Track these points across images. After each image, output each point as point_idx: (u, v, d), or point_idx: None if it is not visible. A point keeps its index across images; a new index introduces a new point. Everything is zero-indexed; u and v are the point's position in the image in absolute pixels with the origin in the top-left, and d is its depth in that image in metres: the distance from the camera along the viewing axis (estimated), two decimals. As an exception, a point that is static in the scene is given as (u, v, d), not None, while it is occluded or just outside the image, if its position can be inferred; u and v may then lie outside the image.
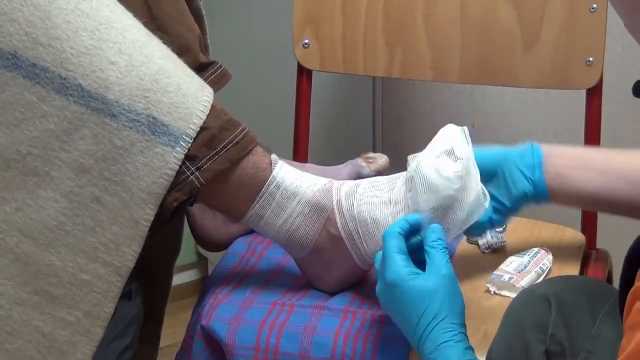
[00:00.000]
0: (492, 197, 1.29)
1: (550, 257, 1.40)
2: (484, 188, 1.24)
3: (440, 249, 1.16)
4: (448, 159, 1.20)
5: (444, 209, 1.20)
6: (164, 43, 1.22)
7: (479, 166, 1.24)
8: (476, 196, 1.22)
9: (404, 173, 1.27)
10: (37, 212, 1.14)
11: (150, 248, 1.20)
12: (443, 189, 1.19)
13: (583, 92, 1.63)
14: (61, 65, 1.11)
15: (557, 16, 1.60)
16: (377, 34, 1.69)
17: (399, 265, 1.15)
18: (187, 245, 1.97)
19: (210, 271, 2.27)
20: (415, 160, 1.23)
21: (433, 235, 1.18)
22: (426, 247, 1.17)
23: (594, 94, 1.62)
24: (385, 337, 1.24)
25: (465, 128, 1.25)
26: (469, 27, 1.65)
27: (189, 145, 1.18)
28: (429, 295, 1.12)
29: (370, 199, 1.27)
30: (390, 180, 1.28)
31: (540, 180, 1.29)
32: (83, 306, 1.18)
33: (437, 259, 1.15)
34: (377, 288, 1.17)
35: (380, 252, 1.19)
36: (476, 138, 1.27)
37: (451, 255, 1.44)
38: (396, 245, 1.16)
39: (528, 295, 1.20)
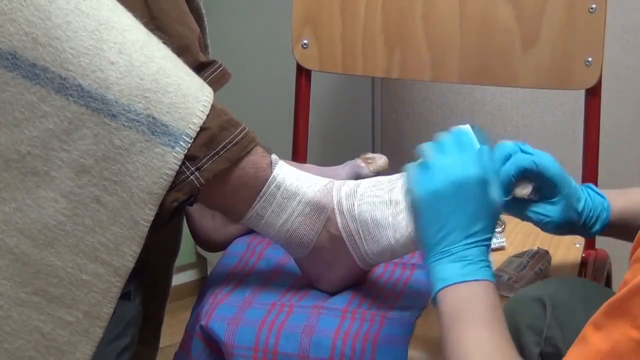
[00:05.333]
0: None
1: (549, 257, 1.40)
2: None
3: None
4: None
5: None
6: (164, 43, 1.22)
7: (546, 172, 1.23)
8: None
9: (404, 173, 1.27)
10: (36, 212, 1.14)
11: (149, 248, 1.20)
12: None
13: (582, 92, 1.63)
14: (61, 65, 1.11)
15: (556, 16, 1.60)
16: (376, 34, 1.69)
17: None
18: (186, 246, 1.97)
19: (209, 271, 2.27)
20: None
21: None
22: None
23: (593, 94, 1.62)
24: (384, 337, 1.24)
25: (469, 126, 1.24)
26: (468, 27, 1.65)
27: (189, 145, 1.18)
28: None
29: (370, 199, 1.27)
30: (391, 180, 1.28)
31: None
32: (82, 306, 1.18)
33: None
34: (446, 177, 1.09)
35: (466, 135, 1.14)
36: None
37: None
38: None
39: (522, 297, 1.20)
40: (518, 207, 1.26)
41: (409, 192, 1.11)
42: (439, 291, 1.06)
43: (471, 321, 1.03)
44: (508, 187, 1.22)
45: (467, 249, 1.07)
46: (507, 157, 1.22)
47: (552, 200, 1.24)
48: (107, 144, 1.14)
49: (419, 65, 1.69)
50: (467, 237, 1.07)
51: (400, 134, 2.19)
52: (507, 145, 1.23)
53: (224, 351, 1.28)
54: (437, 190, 1.08)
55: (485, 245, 1.08)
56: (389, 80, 2.14)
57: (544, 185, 1.23)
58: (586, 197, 1.26)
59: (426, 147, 1.13)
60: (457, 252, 1.06)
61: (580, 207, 1.25)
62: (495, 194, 1.09)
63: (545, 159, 1.23)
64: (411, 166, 1.13)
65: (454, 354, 1.01)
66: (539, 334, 1.15)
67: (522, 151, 1.23)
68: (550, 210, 1.24)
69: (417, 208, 1.10)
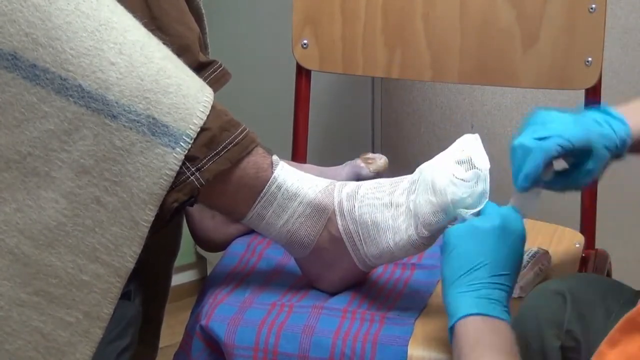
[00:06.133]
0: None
1: (549, 257, 1.40)
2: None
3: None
4: (460, 166, 1.20)
5: (445, 213, 1.20)
6: (164, 43, 1.22)
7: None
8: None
9: (407, 176, 1.27)
10: (37, 213, 1.14)
11: (149, 249, 1.20)
12: (448, 193, 1.19)
13: (582, 92, 1.63)
14: (61, 66, 1.11)
15: (556, 16, 1.60)
16: (376, 34, 1.69)
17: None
18: (186, 246, 1.97)
19: (209, 271, 2.27)
20: (425, 164, 1.23)
21: None
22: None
23: (593, 94, 1.62)
24: (384, 337, 1.24)
25: (477, 135, 1.25)
26: (468, 27, 1.65)
27: (189, 145, 1.18)
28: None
29: (371, 200, 1.27)
30: (393, 183, 1.28)
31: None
32: (83, 307, 1.18)
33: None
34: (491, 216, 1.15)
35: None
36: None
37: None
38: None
39: (543, 291, 1.21)
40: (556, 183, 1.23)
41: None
42: (460, 319, 1.09)
43: (489, 350, 1.06)
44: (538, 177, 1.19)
45: (492, 288, 1.10)
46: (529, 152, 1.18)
47: (586, 165, 1.20)
48: (108, 144, 1.14)
49: (419, 65, 1.69)
50: (493, 277, 1.11)
51: (400, 134, 2.18)
52: (524, 142, 1.18)
53: (224, 351, 1.28)
54: (477, 228, 1.13)
55: (507, 291, 1.12)
56: (389, 80, 2.14)
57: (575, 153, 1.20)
58: (612, 137, 1.21)
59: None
60: (482, 290, 1.10)
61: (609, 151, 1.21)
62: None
63: (568, 131, 1.18)
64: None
65: None
66: (560, 327, 1.15)
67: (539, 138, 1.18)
68: (587, 175, 1.21)
69: (449, 240, 1.14)
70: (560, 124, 1.18)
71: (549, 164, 1.17)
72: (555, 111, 1.21)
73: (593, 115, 1.22)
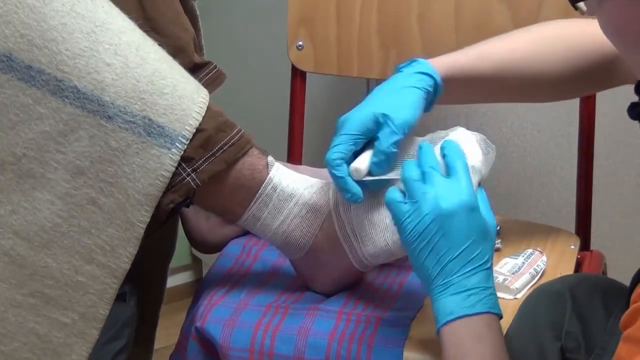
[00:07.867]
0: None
1: (544, 258, 1.40)
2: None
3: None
4: None
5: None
6: (159, 44, 1.22)
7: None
8: None
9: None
10: (32, 214, 1.14)
11: (144, 250, 1.20)
12: None
13: (578, 93, 1.63)
14: (57, 67, 1.11)
15: (551, 17, 1.59)
16: (372, 36, 1.69)
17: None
18: (181, 247, 1.97)
19: (204, 273, 2.27)
20: None
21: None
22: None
23: (588, 94, 1.62)
24: (379, 338, 1.24)
25: (461, 130, 1.25)
26: (464, 28, 1.65)
27: (185, 146, 1.18)
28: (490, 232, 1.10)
29: (367, 200, 1.27)
30: (388, 181, 1.28)
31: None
32: (78, 308, 1.18)
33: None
34: (425, 215, 1.08)
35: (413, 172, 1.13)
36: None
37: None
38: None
39: (542, 292, 1.21)
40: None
41: (398, 230, 1.11)
42: (442, 326, 1.06)
43: None
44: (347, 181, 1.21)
45: (468, 277, 1.06)
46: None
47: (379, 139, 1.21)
48: (103, 145, 1.14)
49: (414, 66, 1.69)
50: (465, 265, 1.07)
51: (395, 135, 2.18)
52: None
53: (219, 353, 1.27)
54: (427, 224, 1.08)
55: (486, 269, 1.08)
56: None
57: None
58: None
59: (409, 178, 1.12)
60: (457, 282, 1.06)
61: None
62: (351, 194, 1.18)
63: (349, 125, 1.24)
64: (394, 201, 1.12)
65: None
66: (560, 328, 1.15)
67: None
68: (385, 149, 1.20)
69: (409, 244, 1.10)
70: (347, 121, 1.23)
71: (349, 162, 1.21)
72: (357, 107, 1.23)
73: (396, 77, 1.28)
